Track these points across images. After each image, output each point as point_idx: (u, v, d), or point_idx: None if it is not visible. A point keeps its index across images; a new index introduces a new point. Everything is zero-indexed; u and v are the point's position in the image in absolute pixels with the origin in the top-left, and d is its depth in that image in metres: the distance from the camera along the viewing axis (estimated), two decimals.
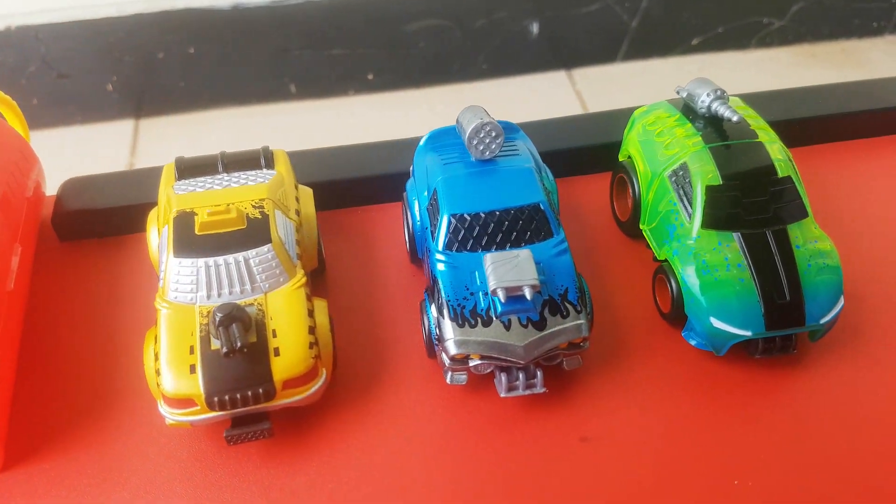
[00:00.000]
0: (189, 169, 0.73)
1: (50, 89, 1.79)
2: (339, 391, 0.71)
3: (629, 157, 0.80)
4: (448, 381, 0.69)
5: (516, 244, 0.69)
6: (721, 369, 0.71)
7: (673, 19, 1.98)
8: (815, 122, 0.93)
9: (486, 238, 0.69)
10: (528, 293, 0.64)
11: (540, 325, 0.66)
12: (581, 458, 0.67)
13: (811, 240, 0.69)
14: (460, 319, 0.66)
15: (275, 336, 0.63)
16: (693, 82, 0.76)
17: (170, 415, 0.63)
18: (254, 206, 0.68)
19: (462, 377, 0.68)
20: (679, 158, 0.72)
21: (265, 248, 0.65)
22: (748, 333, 0.67)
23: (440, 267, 0.68)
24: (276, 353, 0.62)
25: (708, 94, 0.74)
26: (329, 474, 0.66)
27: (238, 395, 0.61)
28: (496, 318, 0.65)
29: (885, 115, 0.94)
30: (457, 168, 0.73)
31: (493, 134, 0.71)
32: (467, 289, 0.67)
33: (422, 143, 0.79)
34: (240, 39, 1.82)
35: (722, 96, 0.73)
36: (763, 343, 0.69)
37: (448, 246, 0.69)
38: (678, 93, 0.77)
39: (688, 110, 0.77)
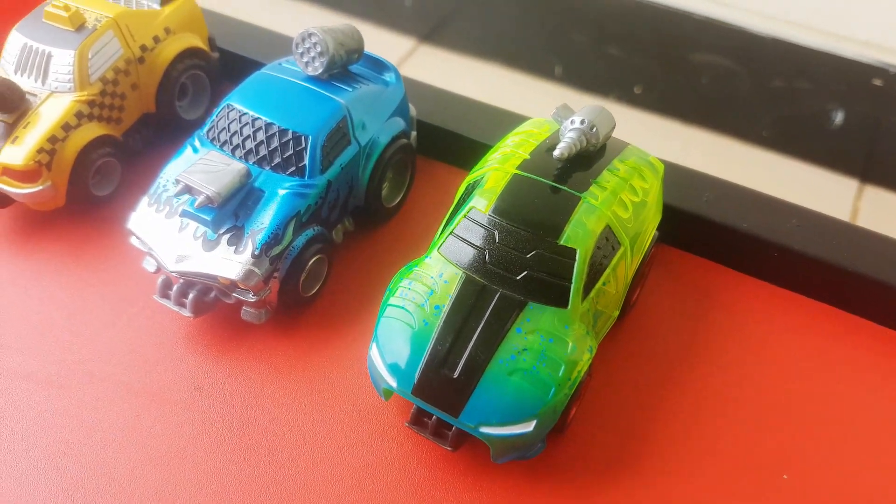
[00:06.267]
0: None
1: None
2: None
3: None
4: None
5: (262, 164, 0.62)
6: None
7: None
8: None
9: (240, 141, 0.63)
10: (199, 200, 0.58)
11: (209, 245, 0.59)
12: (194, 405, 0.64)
13: (548, 334, 0.50)
14: (153, 199, 0.62)
15: (25, 127, 0.66)
16: (585, 108, 0.59)
17: None
18: (96, 19, 0.70)
19: (148, 263, 0.66)
20: (484, 172, 0.57)
21: (68, 52, 0.68)
22: (393, 384, 0.52)
23: (187, 149, 0.64)
24: (14, 140, 0.65)
25: (572, 121, 0.57)
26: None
27: None
28: (179, 215, 0.60)
29: None
30: (280, 71, 0.67)
31: (319, 49, 0.64)
32: None
33: None
34: (529, 8, 1.82)
35: (585, 129, 0.56)
36: (416, 412, 0.53)
37: (209, 132, 0.65)
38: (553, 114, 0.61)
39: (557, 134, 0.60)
